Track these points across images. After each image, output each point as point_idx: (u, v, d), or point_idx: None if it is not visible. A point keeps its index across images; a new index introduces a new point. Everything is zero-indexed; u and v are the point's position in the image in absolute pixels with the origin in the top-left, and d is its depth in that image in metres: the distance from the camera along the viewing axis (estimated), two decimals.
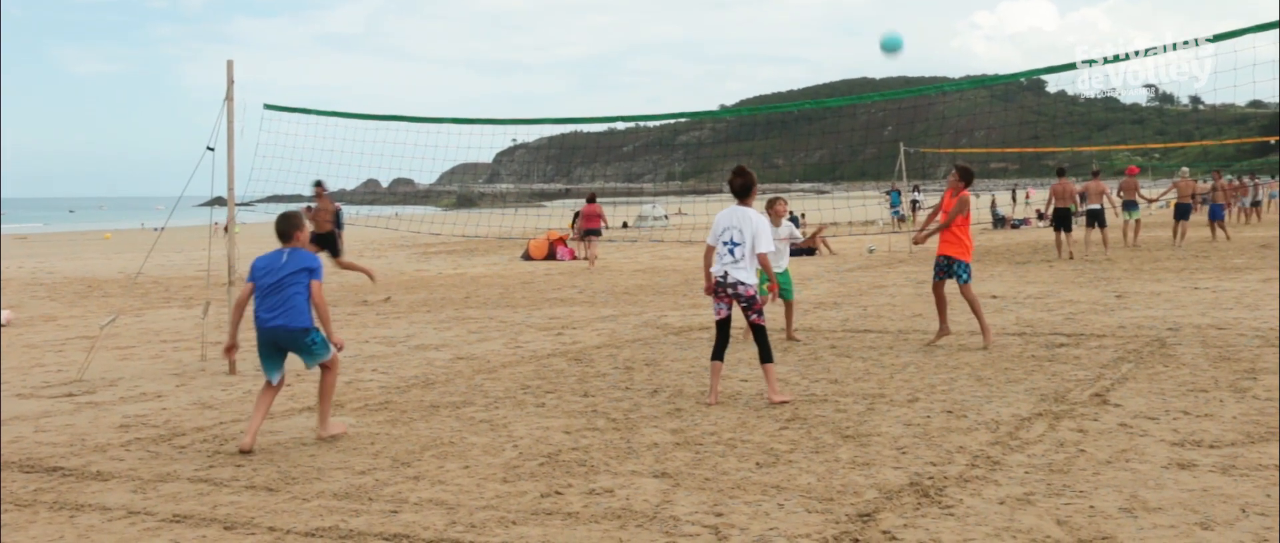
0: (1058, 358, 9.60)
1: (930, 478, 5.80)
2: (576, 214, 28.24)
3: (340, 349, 7.22)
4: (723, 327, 8.10)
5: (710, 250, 8.05)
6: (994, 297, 14.86)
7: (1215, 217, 27.01)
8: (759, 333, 8.05)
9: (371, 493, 5.84)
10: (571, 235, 27.97)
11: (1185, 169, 31.08)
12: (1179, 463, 5.94)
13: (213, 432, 7.59)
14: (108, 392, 9.39)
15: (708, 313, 14.23)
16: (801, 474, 5.97)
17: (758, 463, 6.24)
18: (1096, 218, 23.47)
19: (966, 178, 10.35)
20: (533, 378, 9.50)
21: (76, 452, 7.07)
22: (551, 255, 27.49)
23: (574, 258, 27.45)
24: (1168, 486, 5.52)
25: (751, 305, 7.99)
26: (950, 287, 10.56)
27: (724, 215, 8.09)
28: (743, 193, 8.07)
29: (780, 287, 10.57)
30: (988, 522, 5.01)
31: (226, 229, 10.95)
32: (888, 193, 41.01)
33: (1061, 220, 22.64)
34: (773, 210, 10.97)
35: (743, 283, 7.91)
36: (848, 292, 16.72)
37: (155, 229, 45.92)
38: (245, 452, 6.83)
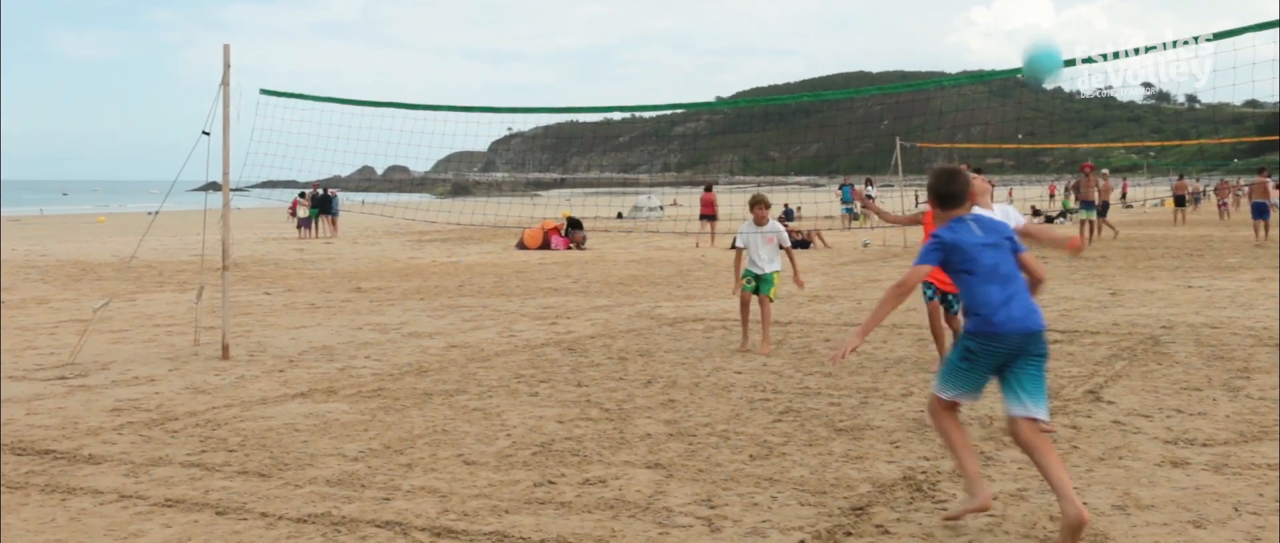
0: (1051, 355, 9.58)
1: (923, 472, 5.80)
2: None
3: None
4: None
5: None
6: None
7: (1260, 215, 25.77)
8: None
9: (364, 480, 5.83)
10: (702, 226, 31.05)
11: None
12: (1172, 461, 5.95)
13: (205, 416, 7.57)
14: (100, 375, 9.36)
15: (701, 304, 14.24)
16: (795, 467, 5.97)
17: (751, 455, 6.24)
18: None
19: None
20: (526, 367, 9.49)
21: (69, 435, 7.05)
22: (546, 245, 27.47)
23: (568, 247, 27.44)
24: (1160, 483, 5.53)
25: None
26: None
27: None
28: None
29: (762, 284, 10.34)
30: (980, 517, 5.01)
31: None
32: (840, 188, 40.28)
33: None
34: (754, 213, 10.40)
35: None
36: (842, 285, 16.73)
37: (150, 213, 45.95)
38: None
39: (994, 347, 4.81)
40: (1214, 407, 7.32)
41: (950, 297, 8.63)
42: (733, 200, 28.38)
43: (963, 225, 5.03)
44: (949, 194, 5.16)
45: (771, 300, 10.40)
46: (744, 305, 10.43)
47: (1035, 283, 5.06)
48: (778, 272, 10.39)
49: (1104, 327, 11.35)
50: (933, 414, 5.11)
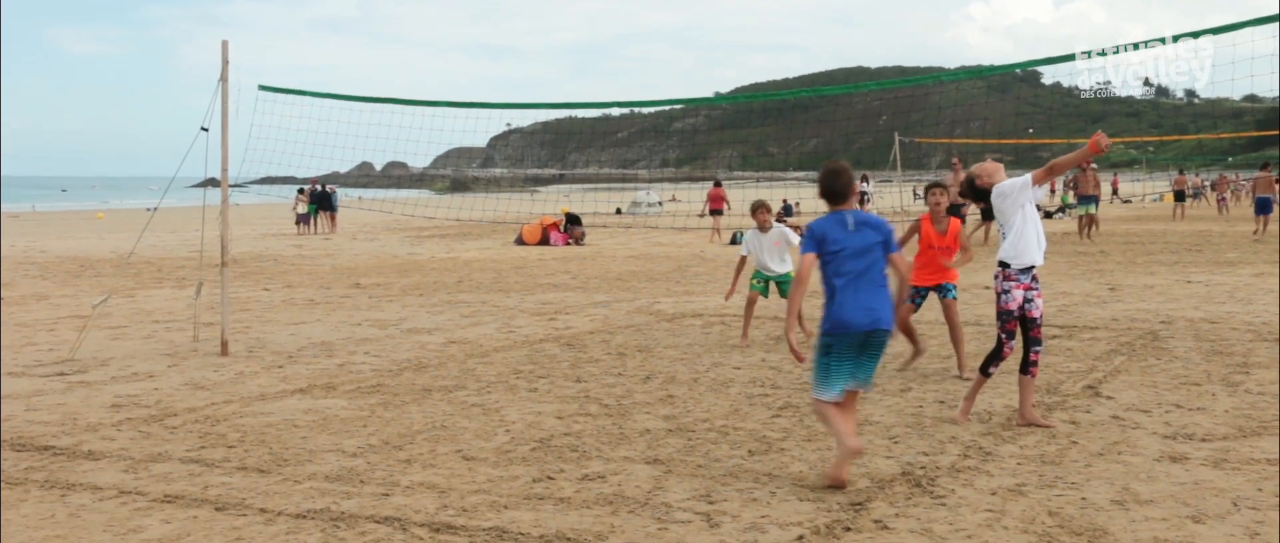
0: (1050, 350, 9.60)
1: (922, 468, 5.80)
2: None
3: None
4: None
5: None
6: (987, 288, 14.86)
7: (1264, 209, 25.91)
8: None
9: (363, 476, 5.83)
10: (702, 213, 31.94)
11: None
12: (1171, 456, 5.95)
13: (205, 412, 7.57)
14: (99, 371, 9.36)
15: (700, 300, 14.23)
16: (794, 463, 5.97)
17: (750, 451, 6.24)
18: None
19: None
20: (525, 363, 9.49)
21: (68, 431, 7.05)
22: (545, 241, 27.46)
23: (567, 243, 27.43)
24: (1159, 478, 5.53)
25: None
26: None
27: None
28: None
29: (781, 285, 10.51)
30: (979, 512, 5.02)
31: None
32: None
33: None
34: (757, 219, 10.43)
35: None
36: None
37: (149, 209, 45.90)
38: None
39: (847, 341, 5.52)
40: (1213, 402, 7.33)
41: (920, 295, 8.78)
42: (736, 196, 28.54)
43: (838, 219, 5.66)
44: (832, 191, 5.74)
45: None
46: (750, 304, 10.59)
47: (901, 282, 5.82)
48: (791, 270, 10.48)
49: (1103, 322, 11.35)
50: (816, 414, 5.72)
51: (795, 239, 10.43)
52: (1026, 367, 6.79)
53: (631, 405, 7.59)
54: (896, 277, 5.72)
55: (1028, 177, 6.75)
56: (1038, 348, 6.80)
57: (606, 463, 6.02)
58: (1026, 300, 6.76)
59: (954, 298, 8.76)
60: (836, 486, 5.45)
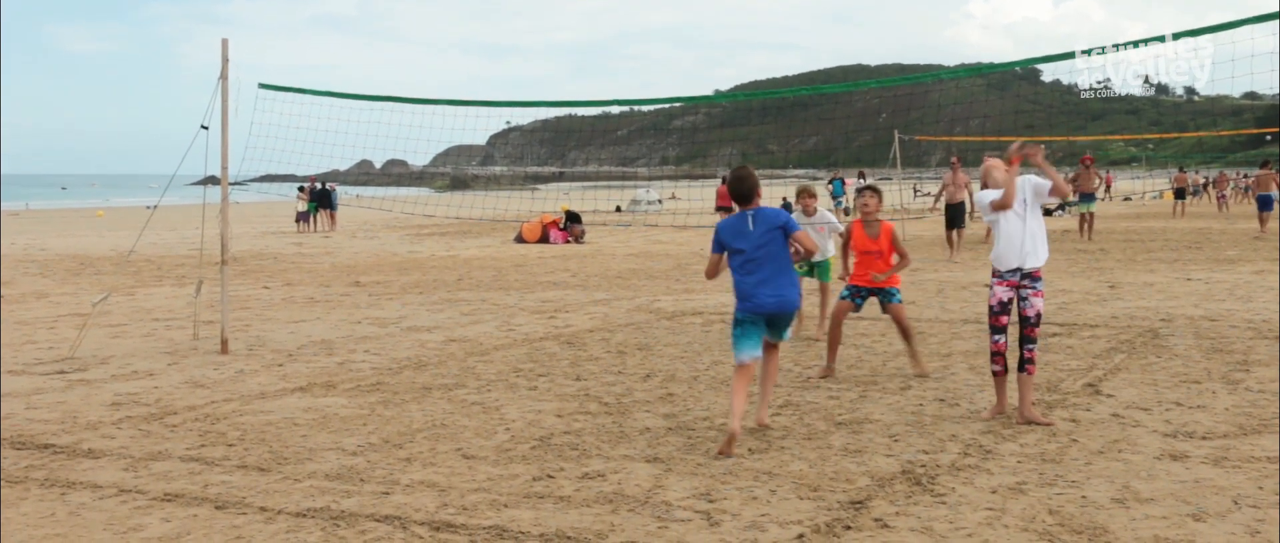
0: (1050, 348, 9.61)
1: (923, 466, 5.80)
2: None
3: None
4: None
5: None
6: (987, 285, 14.86)
7: (1266, 207, 25.78)
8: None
9: (363, 474, 5.82)
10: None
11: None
12: (1171, 454, 5.95)
13: (204, 411, 7.57)
14: (99, 370, 9.36)
15: (700, 298, 14.23)
16: (794, 461, 5.96)
17: (750, 449, 6.24)
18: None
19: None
20: (525, 361, 9.49)
21: (68, 429, 7.05)
22: (544, 239, 27.45)
23: (566, 241, 27.43)
24: (1160, 476, 5.53)
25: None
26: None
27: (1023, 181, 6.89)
28: None
29: (818, 271, 10.59)
30: (980, 510, 5.02)
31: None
32: (830, 182, 39.99)
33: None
34: (801, 204, 10.49)
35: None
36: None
37: (148, 207, 45.88)
38: None
39: (757, 318, 6.47)
40: (1213, 400, 7.32)
41: (860, 296, 8.69)
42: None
43: (740, 219, 6.55)
44: (738, 194, 6.61)
45: (830, 283, 10.56)
46: None
47: (808, 252, 6.63)
48: (833, 257, 10.61)
49: (1103, 320, 11.35)
50: (736, 373, 6.42)
51: (841, 225, 10.50)
52: (1022, 365, 6.81)
53: (631, 404, 7.58)
54: (797, 245, 6.53)
55: (988, 199, 6.86)
56: (1031, 346, 6.81)
57: (606, 461, 6.02)
58: (1021, 299, 6.80)
59: (898, 302, 8.66)
60: (724, 455, 6.12)
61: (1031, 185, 6.88)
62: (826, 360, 8.66)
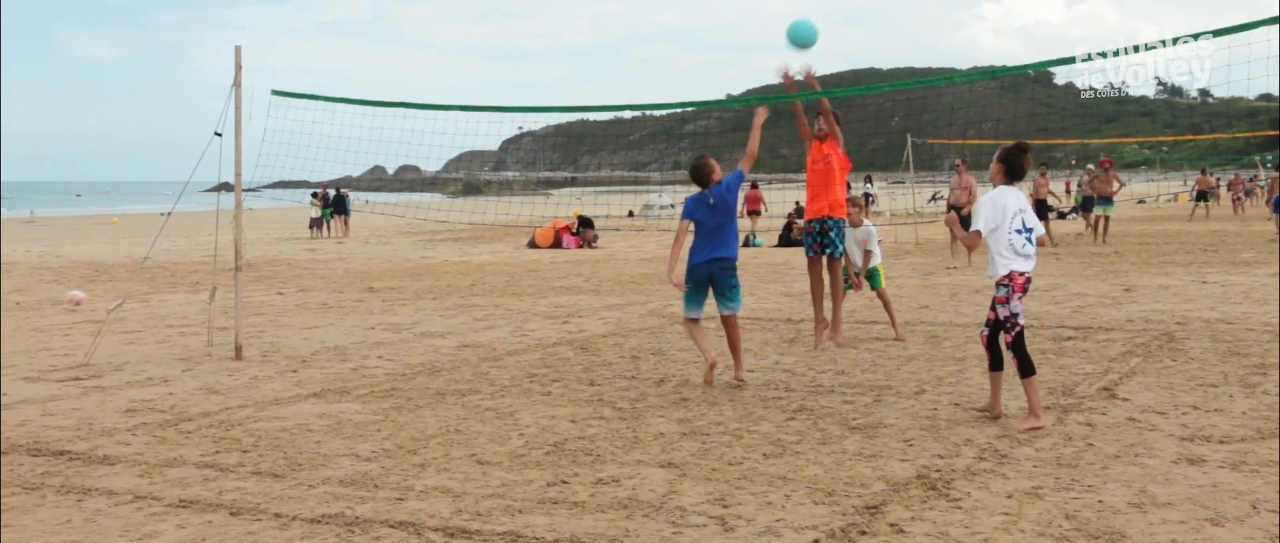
0: (1065, 351, 9.57)
1: (938, 471, 5.78)
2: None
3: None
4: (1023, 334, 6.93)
5: (974, 238, 6.84)
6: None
7: None
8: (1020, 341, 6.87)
9: (377, 480, 5.83)
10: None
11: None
12: (1188, 458, 5.92)
13: (219, 417, 7.58)
14: (114, 376, 9.39)
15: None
16: (808, 465, 5.95)
17: (764, 454, 6.22)
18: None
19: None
20: (539, 366, 9.49)
21: (83, 436, 7.07)
22: (557, 244, 27.46)
23: (579, 246, 27.44)
24: (1177, 481, 5.50)
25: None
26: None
27: (1009, 195, 6.86)
28: (1023, 174, 7.02)
29: (872, 278, 10.74)
30: (995, 515, 4.99)
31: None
32: None
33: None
34: (848, 214, 10.47)
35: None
36: None
37: (162, 214, 46.03)
38: None
39: (697, 274, 8.28)
40: (1230, 403, 7.28)
41: (827, 247, 9.84)
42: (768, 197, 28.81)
43: (702, 196, 8.32)
44: (697, 180, 8.37)
45: (884, 288, 10.86)
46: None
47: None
48: (880, 264, 10.86)
49: (1118, 323, 11.29)
50: (686, 327, 8.46)
51: (878, 237, 10.83)
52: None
53: (645, 409, 7.58)
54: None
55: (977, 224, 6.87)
56: (1010, 348, 6.84)
57: (620, 467, 6.01)
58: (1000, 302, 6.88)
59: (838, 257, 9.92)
60: (707, 383, 8.15)
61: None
62: (815, 313, 9.85)
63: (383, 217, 43.73)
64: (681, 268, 8.46)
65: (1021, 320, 6.83)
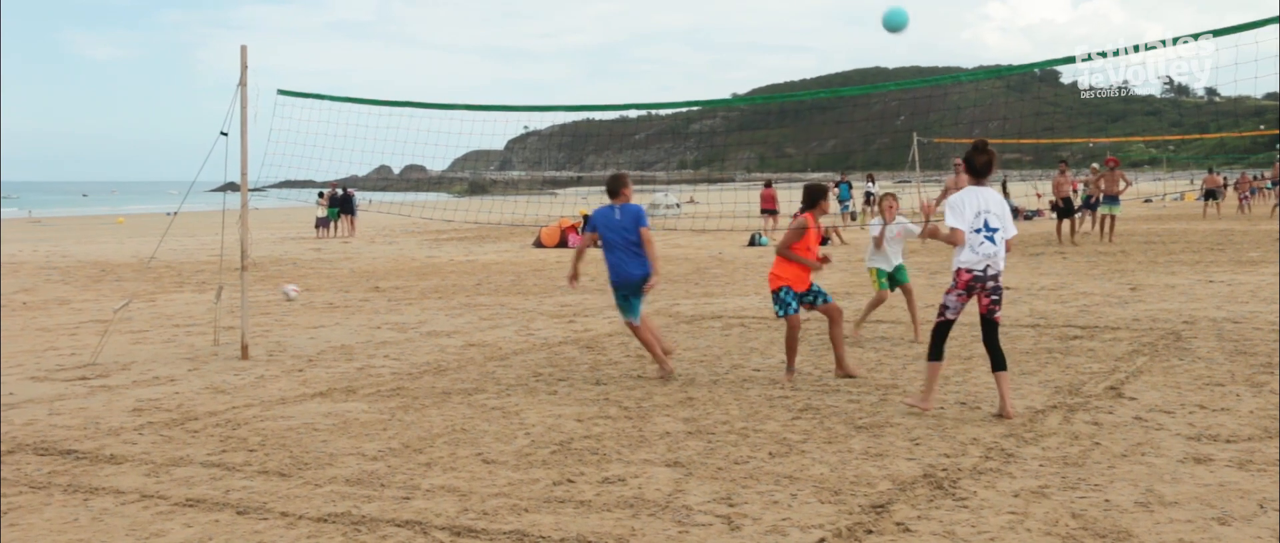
0: (1072, 350, 9.56)
1: (944, 470, 5.77)
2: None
3: None
4: (949, 327, 7.21)
5: (958, 234, 7.01)
6: (1008, 288, 14.80)
7: None
8: (994, 330, 7.10)
9: (383, 479, 5.83)
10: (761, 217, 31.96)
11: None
12: (1195, 457, 5.91)
13: (225, 416, 7.60)
14: (121, 376, 9.41)
15: (719, 302, 14.22)
16: (814, 465, 5.95)
17: (770, 453, 6.22)
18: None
19: (808, 200, 8.94)
20: (545, 365, 9.49)
21: (90, 435, 7.09)
22: (563, 243, 27.47)
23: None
24: (1184, 480, 5.49)
25: (999, 300, 7.12)
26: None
27: (971, 195, 7.04)
28: (985, 172, 7.12)
29: (899, 274, 10.67)
30: (1002, 514, 4.99)
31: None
32: (836, 185, 40.01)
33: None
34: (884, 207, 10.69)
35: (1000, 276, 7.09)
36: (861, 282, 16.66)
37: (169, 214, 46.09)
38: None
39: (619, 290, 8.72)
40: (1237, 403, 7.27)
41: (806, 295, 8.72)
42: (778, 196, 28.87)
43: (609, 210, 8.71)
44: (610, 191, 8.77)
45: (910, 283, 10.81)
46: (879, 303, 10.80)
47: (649, 252, 8.58)
48: (902, 261, 10.80)
49: (1125, 322, 11.28)
50: (632, 331, 8.90)
51: (916, 230, 10.50)
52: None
53: (651, 408, 7.58)
54: (646, 245, 8.57)
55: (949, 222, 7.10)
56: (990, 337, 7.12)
57: (626, 466, 6.02)
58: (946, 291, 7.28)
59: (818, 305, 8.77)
60: (664, 378, 8.63)
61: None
62: (788, 364, 8.71)
63: (388, 216, 43.75)
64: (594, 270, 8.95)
65: (950, 314, 7.13)
